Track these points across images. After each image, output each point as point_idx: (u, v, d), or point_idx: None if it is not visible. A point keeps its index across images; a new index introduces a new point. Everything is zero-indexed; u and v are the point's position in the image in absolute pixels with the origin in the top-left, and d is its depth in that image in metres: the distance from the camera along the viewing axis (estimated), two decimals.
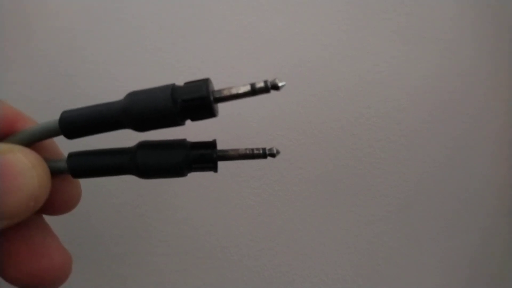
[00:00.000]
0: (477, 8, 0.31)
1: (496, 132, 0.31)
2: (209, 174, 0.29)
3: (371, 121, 0.30)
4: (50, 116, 0.28)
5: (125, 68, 0.29)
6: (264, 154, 0.16)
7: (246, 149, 0.16)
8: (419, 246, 0.31)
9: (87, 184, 0.28)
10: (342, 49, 0.30)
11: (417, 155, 0.30)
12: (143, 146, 0.16)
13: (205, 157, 0.16)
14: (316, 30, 0.30)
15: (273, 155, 0.16)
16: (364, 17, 0.30)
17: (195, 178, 0.29)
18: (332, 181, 0.30)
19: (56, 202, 0.17)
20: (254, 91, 0.14)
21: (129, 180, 0.29)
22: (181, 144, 0.16)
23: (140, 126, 0.14)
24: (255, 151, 0.16)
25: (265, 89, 0.14)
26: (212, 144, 0.16)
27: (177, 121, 0.14)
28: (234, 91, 0.14)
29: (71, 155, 0.16)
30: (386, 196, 0.30)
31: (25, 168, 0.14)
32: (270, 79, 0.14)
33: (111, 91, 0.28)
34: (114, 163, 0.16)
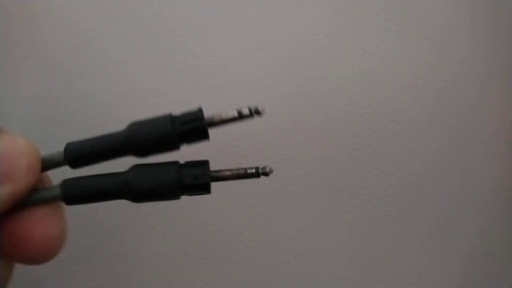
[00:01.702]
0: (478, 8, 0.31)
1: (496, 132, 0.31)
2: None
3: (371, 121, 0.30)
4: (50, 116, 0.28)
5: (125, 68, 0.29)
6: (257, 173, 0.16)
7: (239, 169, 0.16)
8: (418, 246, 0.31)
9: None
10: (342, 49, 0.30)
11: (417, 155, 0.30)
12: (136, 168, 0.16)
13: (197, 178, 0.16)
14: (316, 30, 0.30)
15: (266, 174, 0.16)
16: (364, 17, 0.30)
17: None
18: (332, 181, 0.30)
19: (35, 241, 0.15)
20: (240, 116, 0.16)
21: None
22: (173, 164, 0.16)
23: (143, 152, 0.16)
24: (248, 171, 0.16)
25: (250, 115, 0.16)
26: (204, 164, 0.17)
27: (176, 144, 0.16)
28: (223, 116, 0.16)
29: (64, 181, 0.16)
30: (386, 196, 0.30)
31: (8, 137, 0.15)
32: (253, 106, 0.16)
33: (111, 91, 0.28)
34: (107, 186, 0.16)
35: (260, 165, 0.16)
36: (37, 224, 0.15)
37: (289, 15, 0.30)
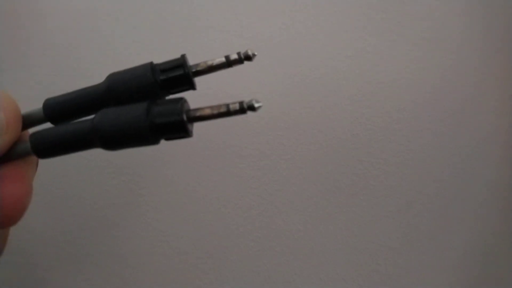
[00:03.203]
0: (480, 8, 0.31)
1: (497, 132, 0.31)
2: (208, 175, 0.29)
3: (371, 121, 0.30)
4: None
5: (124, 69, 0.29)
6: (242, 109, 0.13)
7: (220, 105, 0.14)
8: (419, 246, 0.31)
9: (87, 185, 0.29)
10: (342, 49, 0.30)
11: (417, 155, 0.30)
12: (103, 111, 0.15)
13: (170, 116, 0.14)
14: (316, 30, 0.30)
15: (252, 108, 0.13)
16: (364, 17, 0.30)
17: (194, 178, 0.29)
18: (332, 181, 0.30)
19: None
20: (229, 62, 0.14)
21: (128, 181, 0.29)
22: (143, 103, 0.14)
23: (124, 103, 0.15)
24: (231, 107, 0.13)
25: (239, 61, 0.14)
26: (178, 100, 0.14)
27: (158, 94, 0.15)
28: (210, 63, 0.15)
29: (32, 134, 0.15)
30: (386, 196, 0.30)
31: None
32: (242, 51, 0.14)
33: None
34: (74, 133, 0.15)
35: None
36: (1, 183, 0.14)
37: (289, 15, 0.30)
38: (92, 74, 0.28)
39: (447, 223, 0.31)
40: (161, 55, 0.29)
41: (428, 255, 0.31)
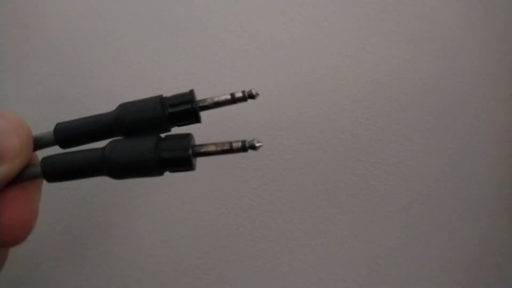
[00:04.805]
0: (479, 8, 0.31)
1: (496, 132, 0.31)
2: (208, 175, 0.29)
3: (371, 121, 0.30)
4: (47, 118, 0.28)
5: (124, 69, 0.29)
6: (244, 147, 0.15)
7: (224, 142, 0.15)
8: (419, 246, 0.31)
9: (87, 185, 0.29)
10: (342, 49, 0.30)
11: (417, 155, 0.30)
12: (113, 142, 0.16)
13: (177, 151, 0.15)
14: (316, 30, 0.30)
15: (254, 147, 0.14)
16: (364, 17, 0.30)
17: (194, 178, 0.29)
18: (332, 181, 0.30)
19: (2, 224, 0.14)
20: (233, 99, 0.16)
21: (128, 181, 0.29)
22: (152, 137, 0.15)
23: (132, 133, 0.16)
24: (234, 145, 0.15)
25: (243, 98, 0.16)
26: (186, 137, 0.15)
27: (166, 127, 0.16)
28: (216, 99, 0.16)
29: (43, 159, 0.16)
30: (386, 196, 0.30)
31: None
32: (247, 89, 0.15)
33: (110, 90, 0.28)
34: (84, 162, 0.16)
35: (248, 138, 0.15)
36: (7, 206, 0.15)
37: (289, 15, 0.30)
38: (92, 75, 0.28)
39: (447, 223, 0.31)
40: (161, 55, 0.29)
41: (428, 255, 0.31)
